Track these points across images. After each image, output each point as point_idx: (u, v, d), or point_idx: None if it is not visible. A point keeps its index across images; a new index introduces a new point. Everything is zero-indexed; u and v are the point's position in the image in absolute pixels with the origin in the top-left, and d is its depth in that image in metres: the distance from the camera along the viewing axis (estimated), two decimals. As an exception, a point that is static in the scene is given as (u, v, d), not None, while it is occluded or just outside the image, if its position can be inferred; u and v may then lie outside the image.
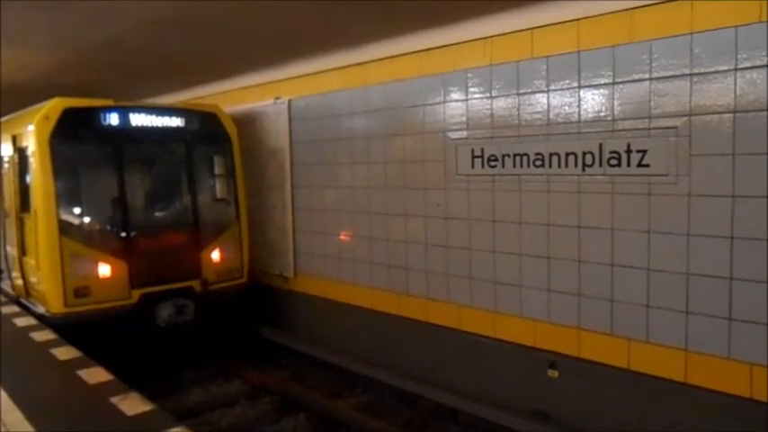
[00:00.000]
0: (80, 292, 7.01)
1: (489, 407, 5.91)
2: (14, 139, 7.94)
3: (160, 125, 7.81)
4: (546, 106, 5.32)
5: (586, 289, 5.20)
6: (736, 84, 4.18)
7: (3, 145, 8.63)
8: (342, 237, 7.72)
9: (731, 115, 4.21)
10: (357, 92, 7.23)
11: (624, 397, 5.00)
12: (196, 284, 7.81)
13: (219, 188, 8.42)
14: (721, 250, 4.34)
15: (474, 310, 6.13)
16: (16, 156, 7.81)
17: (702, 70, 4.34)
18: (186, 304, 7.66)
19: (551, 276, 5.45)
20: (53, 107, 7.06)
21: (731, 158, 4.24)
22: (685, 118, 4.45)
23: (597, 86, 4.96)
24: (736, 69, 4.17)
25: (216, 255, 8.09)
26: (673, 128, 4.52)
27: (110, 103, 7.46)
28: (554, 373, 5.49)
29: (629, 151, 4.78)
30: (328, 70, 7.56)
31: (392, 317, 7.05)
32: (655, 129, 4.62)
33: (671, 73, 4.51)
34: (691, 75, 4.40)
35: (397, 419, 6.35)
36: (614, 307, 5.02)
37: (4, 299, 8.56)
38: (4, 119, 9.29)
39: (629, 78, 4.74)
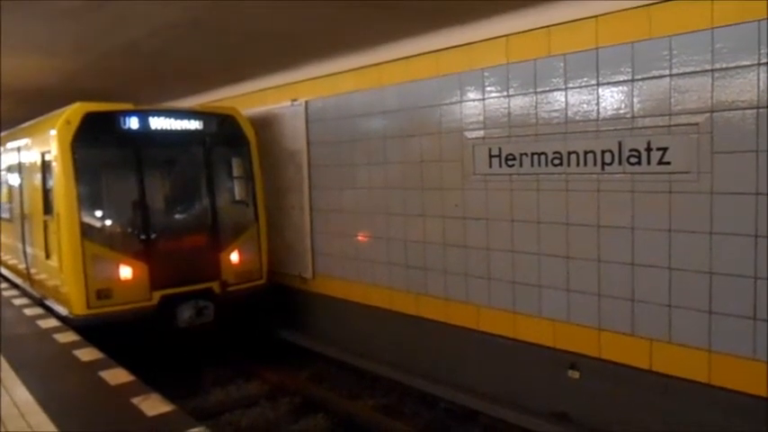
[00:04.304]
0: (102, 294, 7.10)
1: (509, 408, 5.87)
2: (37, 144, 8.08)
3: (179, 128, 7.88)
4: (564, 104, 5.27)
5: (607, 289, 5.14)
6: (759, 79, 4.09)
7: (25, 149, 8.80)
8: (360, 237, 7.72)
9: (754, 111, 4.13)
10: (374, 92, 7.23)
11: (646, 398, 4.93)
12: (216, 286, 7.87)
13: (238, 190, 8.47)
14: (745, 249, 4.25)
15: (493, 311, 6.09)
16: (38, 160, 7.94)
17: (724, 65, 4.26)
18: (206, 305, 7.72)
19: (571, 276, 5.39)
20: (74, 112, 7.17)
21: (755, 155, 4.15)
22: (707, 114, 4.37)
23: (616, 83, 4.89)
24: (759, 64, 4.09)
25: (235, 256, 8.15)
26: (694, 124, 4.44)
27: (129, 107, 7.55)
28: (575, 374, 5.43)
29: (649, 149, 4.71)
30: (345, 71, 7.57)
31: (411, 317, 7.03)
32: (676, 126, 4.55)
33: (691, 69, 4.43)
34: (712, 70, 4.32)
35: (416, 421, 6.33)
36: (635, 307, 4.95)
37: (28, 301, 8.70)
38: (26, 124, 9.46)
39: (649, 75, 4.68)
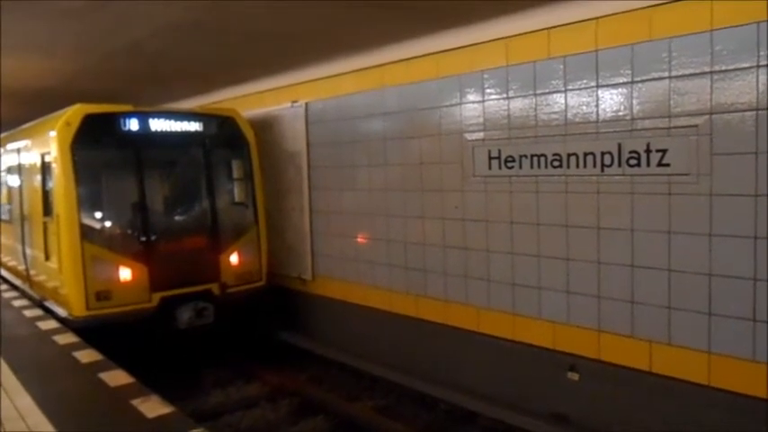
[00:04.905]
0: (102, 296, 7.10)
1: (508, 410, 5.87)
2: (37, 145, 8.08)
3: (179, 130, 7.89)
4: (563, 106, 5.28)
5: (606, 290, 5.14)
6: (758, 81, 4.10)
7: (25, 151, 8.80)
8: (360, 239, 7.72)
9: (753, 113, 4.14)
10: (374, 94, 7.24)
11: (646, 400, 4.93)
12: (215, 287, 7.87)
13: (238, 192, 8.49)
14: (744, 250, 4.26)
15: (492, 312, 6.09)
16: (38, 161, 7.94)
17: (723, 68, 4.26)
18: (206, 307, 7.71)
19: (570, 278, 5.39)
20: (74, 113, 7.17)
21: (754, 157, 4.16)
22: (706, 116, 4.38)
23: (616, 86, 4.90)
24: (758, 66, 4.09)
25: (234, 258, 8.14)
26: (693, 126, 4.45)
27: (129, 108, 7.56)
28: (574, 376, 5.43)
29: (648, 151, 4.72)
30: (345, 73, 7.58)
31: (410, 319, 7.03)
32: (675, 128, 4.56)
33: (691, 71, 4.44)
34: (711, 72, 4.33)
35: (415, 422, 6.32)
36: (635, 309, 4.95)
37: (27, 302, 8.70)
38: (26, 125, 9.46)
39: (649, 77, 4.68)
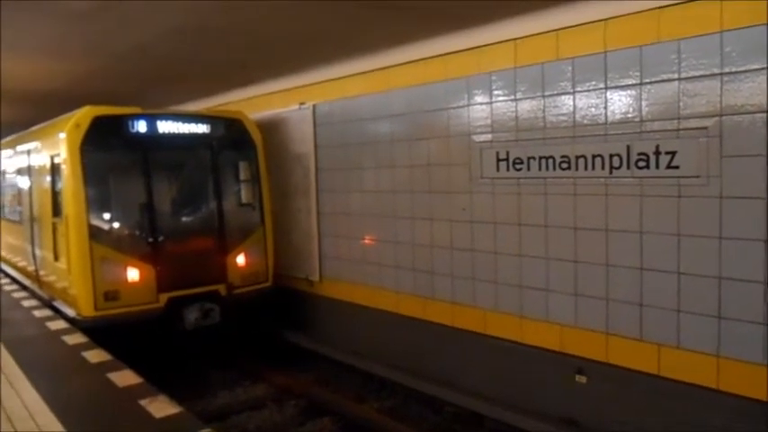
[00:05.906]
0: (110, 296, 7.14)
1: (516, 412, 5.85)
2: (46, 147, 8.13)
3: (186, 132, 7.92)
4: (572, 108, 5.26)
5: (614, 293, 5.12)
6: (768, 83, 4.08)
7: (35, 152, 8.86)
8: (367, 241, 7.72)
9: (764, 115, 4.11)
10: (381, 96, 7.25)
11: (654, 403, 4.91)
12: (222, 288, 7.89)
13: (245, 193, 8.51)
14: (754, 253, 4.23)
15: (500, 315, 6.08)
16: (47, 163, 7.99)
17: (733, 69, 4.24)
18: (212, 308, 7.74)
19: (578, 280, 5.37)
20: (83, 115, 7.22)
21: (764, 159, 4.13)
22: (716, 118, 4.36)
23: (624, 87, 4.88)
24: (768, 68, 4.07)
25: (241, 259, 8.17)
26: (703, 128, 4.42)
27: (138, 110, 7.60)
28: (582, 379, 5.41)
29: (657, 153, 4.70)
30: (352, 75, 7.59)
31: (417, 321, 7.02)
32: (684, 130, 4.53)
33: (700, 73, 4.42)
34: (721, 74, 4.31)
35: (422, 424, 6.32)
36: (643, 312, 4.92)
37: (37, 302, 8.74)
38: (36, 127, 9.53)
39: (657, 79, 4.66)
